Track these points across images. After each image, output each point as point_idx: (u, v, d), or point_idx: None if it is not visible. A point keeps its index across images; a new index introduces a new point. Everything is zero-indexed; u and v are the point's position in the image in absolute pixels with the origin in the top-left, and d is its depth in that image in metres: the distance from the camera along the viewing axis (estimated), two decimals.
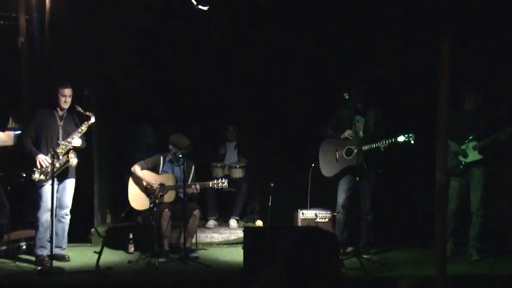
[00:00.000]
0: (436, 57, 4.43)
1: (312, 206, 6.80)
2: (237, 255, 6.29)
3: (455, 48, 4.37)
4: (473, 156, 6.21)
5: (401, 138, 6.11)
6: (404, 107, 7.07)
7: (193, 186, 6.40)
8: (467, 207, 6.31)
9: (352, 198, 6.37)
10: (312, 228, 2.64)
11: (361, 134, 6.36)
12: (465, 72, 6.29)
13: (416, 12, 6.61)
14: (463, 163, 6.22)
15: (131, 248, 6.62)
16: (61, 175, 6.03)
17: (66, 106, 6.07)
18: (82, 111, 6.09)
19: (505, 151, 6.74)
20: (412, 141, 6.09)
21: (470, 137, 6.20)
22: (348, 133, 6.38)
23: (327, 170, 6.56)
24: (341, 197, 6.46)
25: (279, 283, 2.43)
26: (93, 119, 6.13)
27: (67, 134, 6.04)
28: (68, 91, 6.02)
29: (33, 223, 6.11)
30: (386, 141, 6.18)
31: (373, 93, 6.46)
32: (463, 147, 6.22)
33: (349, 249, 6.39)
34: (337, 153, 6.46)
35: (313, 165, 6.72)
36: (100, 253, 5.64)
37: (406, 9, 6.77)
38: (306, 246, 2.47)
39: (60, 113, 6.09)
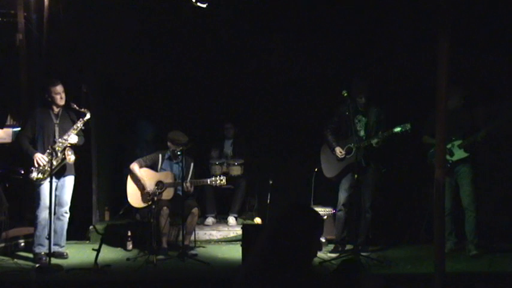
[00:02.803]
0: (434, 55, 4.43)
1: (313, 203, 6.81)
2: (235, 252, 6.31)
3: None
4: (459, 154, 6.27)
5: (397, 129, 6.11)
6: (403, 105, 7.06)
7: (185, 184, 6.37)
8: (461, 205, 6.33)
9: (353, 196, 6.37)
10: (294, 205, 2.66)
11: (362, 133, 6.35)
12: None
13: (416, 11, 6.60)
14: (450, 162, 6.24)
15: (129, 246, 6.62)
16: (60, 173, 6.03)
17: (62, 103, 6.06)
18: (77, 108, 6.08)
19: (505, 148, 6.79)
20: (409, 131, 6.08)
21: (455, 136, 6.23)
22: (339, 151, 6.40)
23: (329, 171, 6.56)
24: (342, 195, 6.46)
25: (262, 263, 2.47)
26: (88, 115, 6.12)
27: (63, 132, 6.04)
28: (60, 88, 6.02)
29: (32, 221, 6.11)
30: (384, 134, 6.18)
31: (374, 90, 6.44)
32: (449, 146, 6.23)
33: (348, 246, 6.40)
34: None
35: (315, 170, 6.72)
36: (98, 250, 5.64)
37: (405, 7, 6.75)
38: (288, 224, 2.50)
39: (56, 110, 6.08)
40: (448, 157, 6.21)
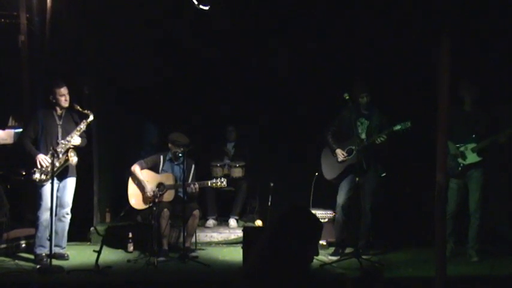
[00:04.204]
0: (436, 56, 4.42)
1: (312, 206, 6.80)
2: (236, 254, 6.31)
3: (454, 47, 4.36)
4: (472, 158, 6.16)
5: (397, 127, 6.09)
6: (405, 107, 7.04)
7: (191, 185, 6.38)
8: (466, 209, 6.29)
9: (352, 199, 6.36)
10: (293, 208, 2.66)
11: (363, 136, 6.34)
12: (462, 72, 6.26)
13: (417, 10, 6.59)
14: (462, 165, 6.19)
15: (130, 247, 6.61)
16: (62, 174, 6.03)
17: (66, 105, 6.06)
18: (80, 109, 6.09)
19: (505, 152, 6.74)
20: (409, 128, 6.04)
21: (469, 139, 6.17)
22: (340, 152, 6.38)
23: (330, 172, 6.53)
24: (341, 198, 6.43)
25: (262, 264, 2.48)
26: (91, 117, 6.12)
27: (66, 133, 6.04)
28: (64, 90, 6.03)
29: (33, 222, 6.11)
30: (385, 132, 6.15)
31: (376, 90, 6.42)
32: (462, 149, 6.17)
33: (349, 249, 6.39)
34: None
35: (316, 174, 6.71)
36: (99, 252, 5.64)
37: (406, 7, 6.75)
38: (286, 227, 2.52)
39: (59, 112, 6.09)
40: (460, 160, 6.16)
